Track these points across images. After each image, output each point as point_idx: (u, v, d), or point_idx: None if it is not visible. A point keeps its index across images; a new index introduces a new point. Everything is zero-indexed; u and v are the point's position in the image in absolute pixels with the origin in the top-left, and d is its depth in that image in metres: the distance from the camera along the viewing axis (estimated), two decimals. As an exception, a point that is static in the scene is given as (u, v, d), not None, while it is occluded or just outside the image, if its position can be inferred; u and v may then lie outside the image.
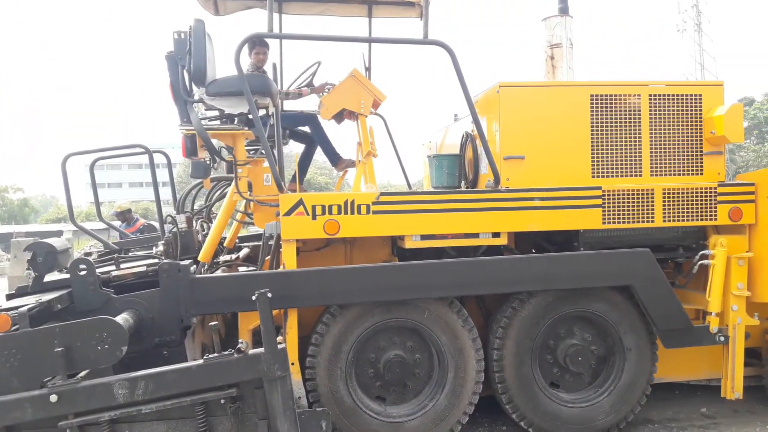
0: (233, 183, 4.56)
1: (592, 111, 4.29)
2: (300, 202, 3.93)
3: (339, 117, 5.23)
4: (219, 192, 5.71)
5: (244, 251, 5.36)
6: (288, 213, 3.92)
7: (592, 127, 4.28)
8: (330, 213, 3.97)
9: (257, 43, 5.42)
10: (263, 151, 4.21)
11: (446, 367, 4.10)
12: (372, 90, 5.11)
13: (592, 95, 4.29)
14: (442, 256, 4.25)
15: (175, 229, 4.83)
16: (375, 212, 4.01)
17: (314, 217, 3.94)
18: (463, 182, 4.89)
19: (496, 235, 4.16)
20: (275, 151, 4.34)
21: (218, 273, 4.60)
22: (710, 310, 4.19)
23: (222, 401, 3.18)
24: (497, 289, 4.15)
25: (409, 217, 4.05)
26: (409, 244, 4.12)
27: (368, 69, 5.92)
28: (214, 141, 4.58)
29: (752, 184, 4.33)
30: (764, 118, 48.55)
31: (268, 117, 4.70)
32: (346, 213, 3.99)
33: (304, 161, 5.91)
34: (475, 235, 4.15)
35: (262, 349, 3.15)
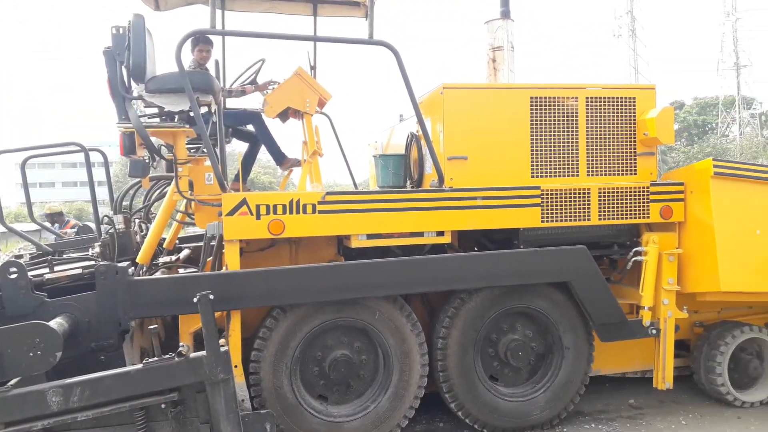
0: (173, 182, 4.45)
1: (531, 113, 4.40)
2: (243, 202, 3.87)
3: (284, 115, 5.19)
4: (158, 191, 5.56)
5: (185, 252, 5.24)
6: (231, 213, 3.85)
7: (531, 128, 4.40)
8: (275, 213, 3.93)
9: (200, 41, 5.32)
10: (205, 150, 4.12)
11: (391, 369, 4.12)
12: (317, 89, 5.10)
13: (531, 98, 4.41)
14: (387, 255, 4.28)
15: (112, 230, 4.68)
16: (321, 212, 4.00)
17: (258, 217, 3.89)
18: (408, 182, 4.93)
19: (441, 233, 4.22)
20: (217, 150, 4.27)
21: (158, 275, 4.48)
22: (643, 305, 4.38)
23: (162, 406, 3.10)
24: (442, 286, 4.21)
25: (355, 216, 4.06)
26: (355, 244, 4.13)
27: (313, 68, 5.89)
28: (154, 139, 4.46)
29: (681, 184, 4.55)
30: (693, 121, 51.05)
31: (210, 115, 4.60)
32: (291, 213, 3.95)
33: (248, 160, 5.83)
34: (420, 234, 4.20)
35: (203, 352, 3.09)
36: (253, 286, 3.81)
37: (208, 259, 4.30)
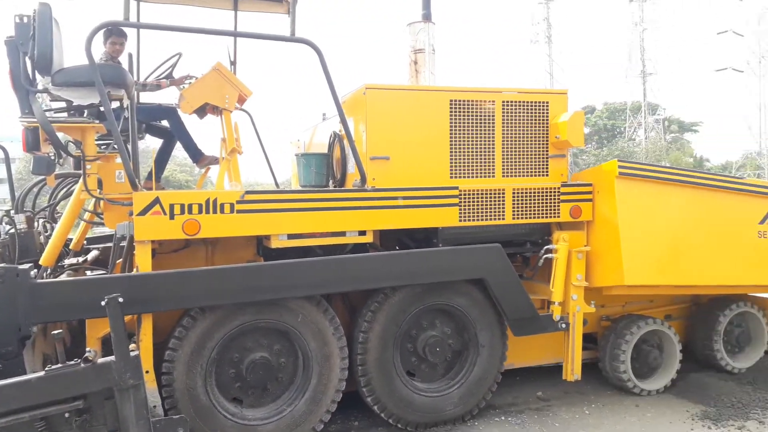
0: (81, 180, 4.22)
1: (451, 115, 4.50)
2: (156, 201, 3.73)
3: (201, 111, 5.04)
4: (65, 190, 5.27)
5: (93, 254, 4.98)
6: (142, 212, 3.70)
7: (450, 130, 4.50)
8: (190, 212, 3.81)
9: (113, 33, 5.09)
10: (116, 146, 3.94)
11: (310, 373, 4.09)
12: (237, 85, 4.99)
13: (451, 100, 4.51)
14: (308, 255, 4.25)
15: (12, 230, 4.39)
16: (239, 211, 3.92)
17: (172, 217, 3.76)
18: (331, 181, 4.92)
19: (363, 233, 4.24)
20: (129, 146, 4.09)
21: (63, 277, 4.24)
22: (554, 300, 4.58)
23: (67, 415, 2.93)
24: (364, 285, 4.23)
25: (275, 216, 4.00)
26: (275, 244, 4.08)
27: (233, 63, 5.77)
28: (60, 134, 4.21)
29: (590, 185, 4.79)
30: (603, 125, 53.90)
31: (122, 109, 4.41)
32: (207, 212, 3.85)
33: (162, 157, 5.62)
34: (343, 234, 4.20)
35: (112, 357, 2.95)
36: (166, 288, 3.68)
37: (118, 261, 4.11)
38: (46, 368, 2.91)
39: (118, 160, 4.35)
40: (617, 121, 53.55)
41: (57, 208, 5.54)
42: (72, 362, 2.93)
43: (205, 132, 5.70)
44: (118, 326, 2.97)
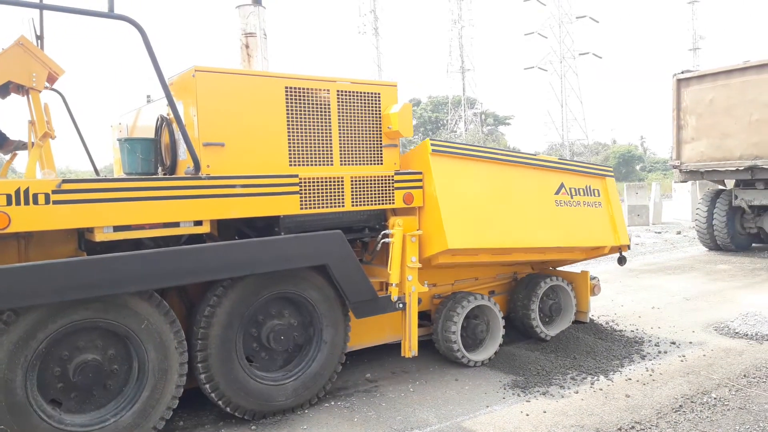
0: None
1: (287, 102, 4.48)
2: (-47, 192, 3.24)
3: (4, 90, 4.47)
4: None
5: None
6: (-65, 205, 3.20)
7: (287, 117, 4.49)
8: (-4, 204, 3.37)
9: None
10: None
11: (143, 385, 3.85)
12: (46, 62, 4.49)
13: (286, 87, 4.48)
14: (139, 247, 3.97)
15: None
16: (56, 202, 3.55)
17: (-26, 210, 3.30)
18: (160, 169, 4.64)
19: (198, 223, 4.08)
20: None
21: None
22: (391, 282, 4.80)
23: None
24: (203, 277, 4.04)
25: (99, 206, 3.69)
26: (99, 237, 3.76)
27: (40, 38, 5.15)
28: None
29: (420, 173, 5.08)
30: (428, 117, 57.14)
31: None
32: (18, 203, 3.43)
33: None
34: (176, 224, 4.00)
35: None
36: None
37: None
38: None
39: None
40: (440, 114, 57.12)
41: None
42: None
43: (6, 114, 5.06)
44: None
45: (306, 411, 4.51)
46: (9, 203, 3.41)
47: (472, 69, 56.21)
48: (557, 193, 5.79)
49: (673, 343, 6.05)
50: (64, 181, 3.61)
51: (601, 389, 4.81)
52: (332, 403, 4.67)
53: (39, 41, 5.13)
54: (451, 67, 55.52)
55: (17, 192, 3.44)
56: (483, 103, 57.71)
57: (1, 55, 4.35)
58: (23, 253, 3.97)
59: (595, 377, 5.07)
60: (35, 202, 3.50)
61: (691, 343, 6.06)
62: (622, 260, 6.53)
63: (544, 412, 4.39)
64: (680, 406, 4.45)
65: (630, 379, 5.03)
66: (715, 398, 4.56)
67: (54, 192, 3.55)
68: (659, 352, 5.77)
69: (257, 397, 4.29)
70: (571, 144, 54.83)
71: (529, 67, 57.68)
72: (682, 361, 5.49)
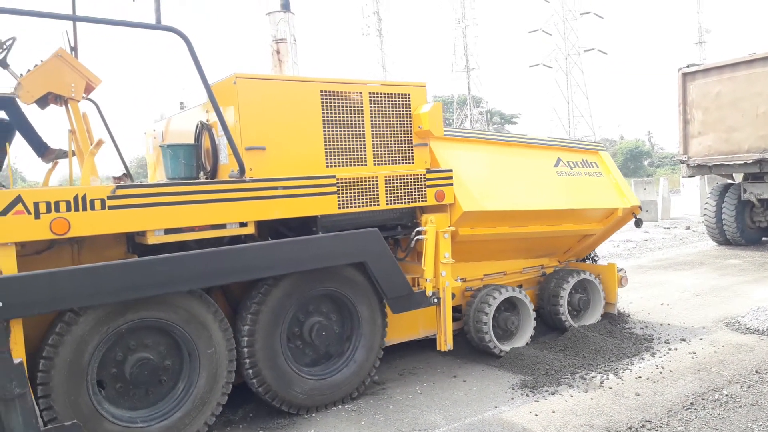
0: None
1: (322, 106, 4.62)
2: (18, 199, 3.40)
3: (43, 101, 4.63)
4: None
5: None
6: (3, 212, 3.36)
7: (323, 120, 4.63)
8: (57, 210, 3.53)
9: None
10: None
11: (194, 382, 4.05)
12: (84, 72, 4.64)
13: (321, 91, 4.62)
14: (183, 250, 4.12)
15: None
16: (111, 207, 3.71)
17: (38, 216, 3.46)
18: (201, 173, 4.80)
19: (243, 224, 4.23)
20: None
21: None
22: (426, 277, 4.93)
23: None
24: (251, 275, 4.19)
25: (151, 210, 3.84)
26: (152, 240, 3.91)
27: (74, 49, 5.32)
28: None
29: (450, 170, 5.22)
30: (434, 117, 56.70)
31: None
32: (77, 209, 3.59)
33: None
34: (223, 226, 4.15)
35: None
36: (37, 289, 3.37)
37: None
38: None
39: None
40: (446, 113, 57.17)
41: None
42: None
43: (40, 124, 5.21)
44: (-6, 336, 2.71)
45: (313, 414, 4.53)
46: (68, 209, 3.57)
47: (477, 68, 56.36)
48: (556, 165, 6.25)
49: (683, 339, 5.94)
50: (119, 187, 3.76)
51: (610, 388, 4.74)
52: (339, 406, 4.66)
53: (73, 52, 5.30)
54: (455, 67, 55.63)
55: (75, 198, 3.60)
56: (488, 102, 57.82)
57: (41, 67, 4.51)
58: (76, 256, 4.13)
59: (605, 376, 4.97)
60: (92, 207, 3.65)
61: (701, 339, 5.95)
62: (638, 222, 6.82)
63: (553, 412, 4.34)
64: (691, 403, 4.38)
65: (640, 377, 4.94)
66: (726, 395, 4.48)
67: (109, 197, 3.70)
68: (669, 349, 5.66)
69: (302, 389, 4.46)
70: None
71: (534, 65, 57.67)
72: (692, 357, 5.39)
